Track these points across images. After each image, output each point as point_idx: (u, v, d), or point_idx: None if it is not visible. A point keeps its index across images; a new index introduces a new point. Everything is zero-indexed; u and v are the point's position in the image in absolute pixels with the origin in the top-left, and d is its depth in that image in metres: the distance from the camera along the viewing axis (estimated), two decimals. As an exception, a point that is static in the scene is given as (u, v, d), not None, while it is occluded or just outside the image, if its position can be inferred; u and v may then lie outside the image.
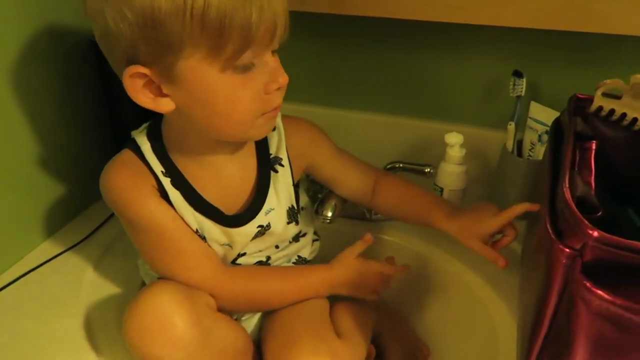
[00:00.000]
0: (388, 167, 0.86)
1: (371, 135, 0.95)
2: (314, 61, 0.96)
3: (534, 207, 0.63)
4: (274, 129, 0.68)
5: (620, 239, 0.43)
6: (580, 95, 0.68)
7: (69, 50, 0.80)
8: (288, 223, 0.69)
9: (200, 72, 0.53)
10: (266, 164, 0.67)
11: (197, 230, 0.63)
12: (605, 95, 0.67)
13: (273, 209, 0.66)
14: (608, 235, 0.44)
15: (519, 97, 0.80)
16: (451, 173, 0.82)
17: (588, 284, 0.43)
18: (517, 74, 0.79)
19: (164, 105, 0.56)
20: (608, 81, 0.67)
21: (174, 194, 0.61)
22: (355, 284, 0.70)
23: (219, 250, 0.65)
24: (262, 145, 0.67)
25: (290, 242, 0.72)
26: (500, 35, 0.81)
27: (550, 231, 0.48)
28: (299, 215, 0.71)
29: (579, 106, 0.68)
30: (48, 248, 0.79)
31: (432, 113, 0.92)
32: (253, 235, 0.66)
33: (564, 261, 0.46)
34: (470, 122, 0.90)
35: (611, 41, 0.74)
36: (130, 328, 0.55)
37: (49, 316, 0.68)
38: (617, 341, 0.44)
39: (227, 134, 0.59)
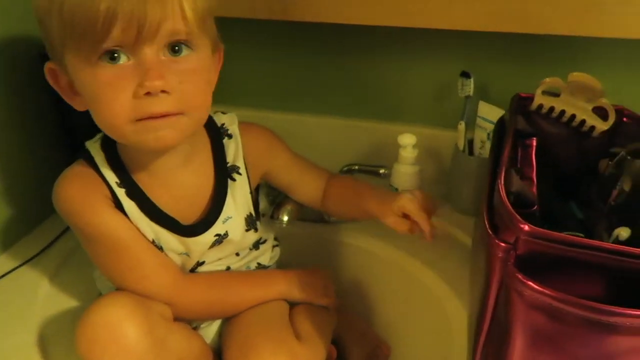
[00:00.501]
0: (344, 169, 0.87)
1: (326, 138, 0.96)
2: (266, 66, 0.96)
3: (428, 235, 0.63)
4: (230, 137, 0.67)
5: (550, 231, 0.45)
6: (522, 95, 0.70)
7: (18, 63, 0.79)
8: (247, 230, 0.69)
9: (77, 67, 0.52)
10: (223, 173, 0.66)
11: (153, 240, 0.62)
12: (546, 93, 0.69)
13: (231, 217, 0.66)
14: (538, 229, 0.45)
15: (467, 97, 0.82)
16: (405, 173, 0.84)
17: (520, 276, 0.44)
18: (465, 75, 0.81)
19: (78, 104, 0.56)
20: (547, 80, 0.69)
21: (129, 205, 0.61)
22: (307, 281, 0.73)
23: (177, 259, 0.65)
24: (218, 154, 0.67)
25: (250, 250, 0.72)
26: (448, 38, 0.82)
27: (487, 226, 0.50)
28: (258, 223, 0.71)
29: (521, 105, 0.70)
30: (3, 262, 0.78)
31: (386, 115, 0.93)
32: (210, 244, 0.66)
33: (500, 255, 0.48)
34: (423, 123, 0.91)
35: (552, 41, 0.77)
36: (81, 340, 0.55)
37: (1, 333, 0.66)
38: (552, 331, 0.46)
39: (116, 137, 0.56)
